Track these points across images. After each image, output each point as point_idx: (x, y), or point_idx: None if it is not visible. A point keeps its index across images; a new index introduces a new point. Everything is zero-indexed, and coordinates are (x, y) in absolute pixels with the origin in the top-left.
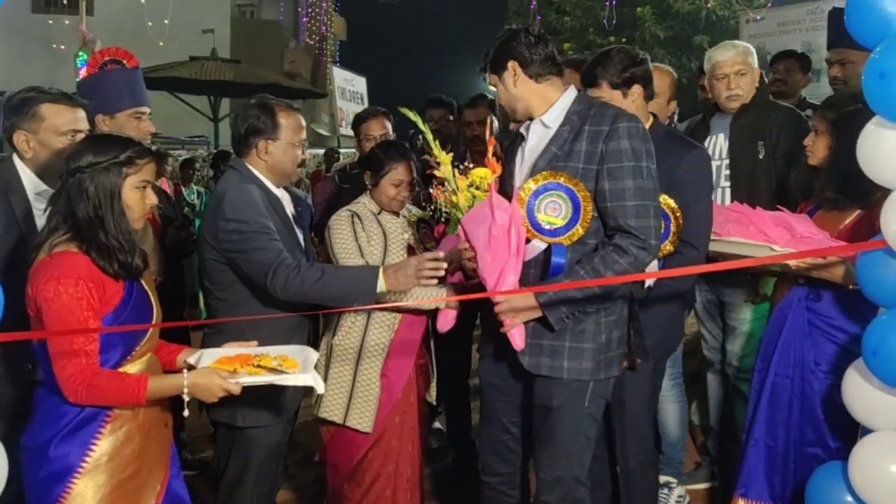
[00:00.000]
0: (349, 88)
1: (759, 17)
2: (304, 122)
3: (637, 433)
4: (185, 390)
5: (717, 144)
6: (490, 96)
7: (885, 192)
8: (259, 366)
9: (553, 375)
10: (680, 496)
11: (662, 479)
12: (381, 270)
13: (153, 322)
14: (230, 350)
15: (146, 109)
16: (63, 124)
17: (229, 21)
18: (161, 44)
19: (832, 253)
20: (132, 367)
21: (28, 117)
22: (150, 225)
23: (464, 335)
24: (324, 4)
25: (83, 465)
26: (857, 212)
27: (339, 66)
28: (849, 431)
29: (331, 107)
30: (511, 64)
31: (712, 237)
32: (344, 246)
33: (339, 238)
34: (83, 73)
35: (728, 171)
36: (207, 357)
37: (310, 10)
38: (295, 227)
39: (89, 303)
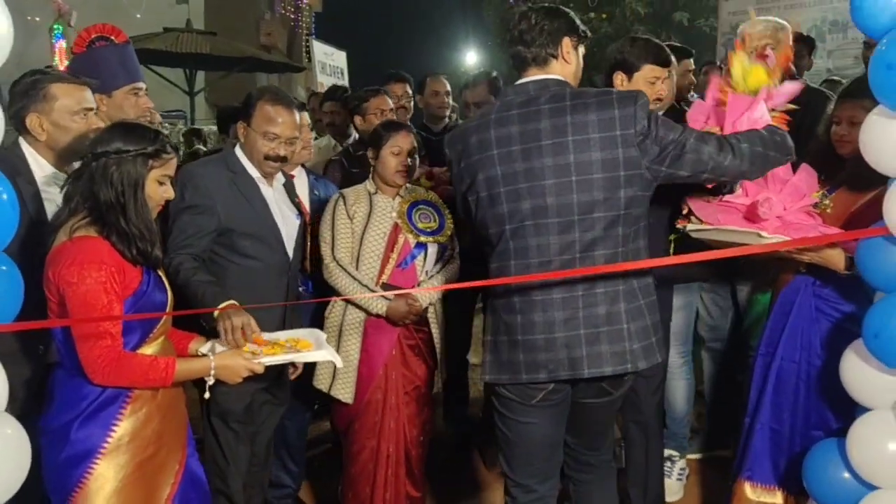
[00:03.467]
0: (329, 63)
1: None
2: (287, 119)
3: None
4: (212, 372)
5: None
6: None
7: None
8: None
9: None
10: (682, 469)
11: (665, 452)
12: (227, 303)
13: (168, 306)
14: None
15: (142, 85)
16: (75, 103)
17: None
18: (138, 16)
19: (833, 240)
20: (148, 349)
21: (39, 99)
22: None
23: (466, 312)
24: None
25: (105, 445)
26: (873, 194)
27: (317, 40)
28: (851, 413)
29: (307, 80)
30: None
31: (703, 227)
32: (321, 234)
33: (321, 225)
34: (59, 45)
35: None
36: (221, 346)
37: None
38: (275, 213)
39: (112, 286)
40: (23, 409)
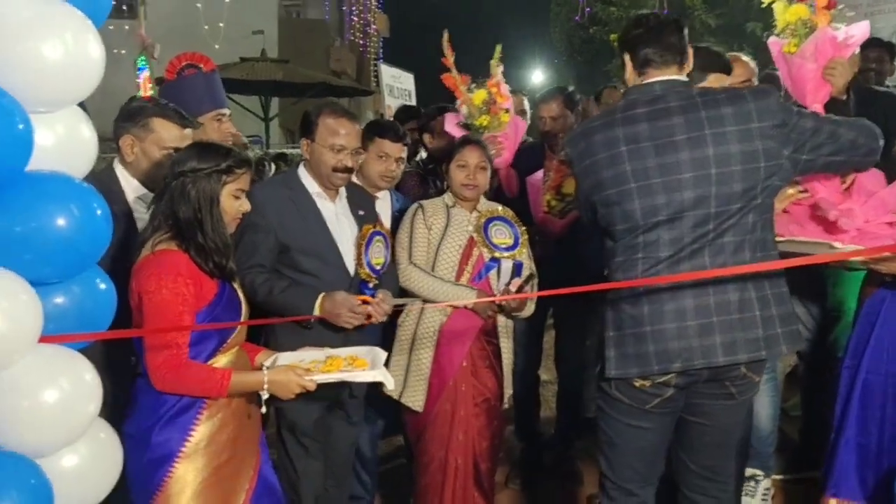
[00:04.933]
0: (397, 85)
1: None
2: (350, 130)
3: None
4: (265, 387)
5: None
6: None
7: None
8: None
9: None
10: (766, 489)
11: (749, 471)
12: (320, 298)
13: (242, 317)
14: (304, 354)
15: (226, 111)
16: (168, 139)
17: (276, 21)
18: (217, 46)
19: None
20: (224, 358)
21: (139, 125)
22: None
23: (536, 328)
24: (367, 2)
25: (183, 449)
26: None
27: (385, 63)
28: None
29: (376, 103)
30: (625, 56)
31: (778, 238)
32: (398, 239)
33: (399, 232)
34: (144, 76)
35: None
36: (282, 360)
37: (353, 7)
38: (333, 228)
39: (185, 298)
40: (112, 417)
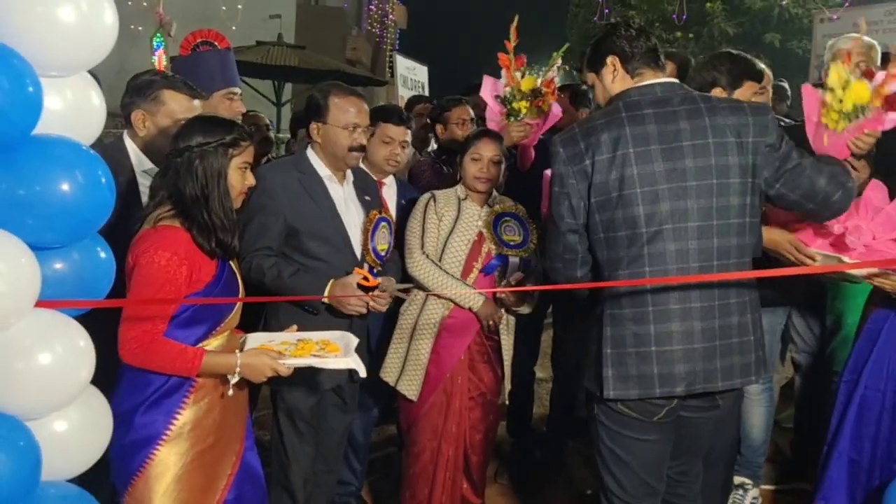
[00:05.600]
0: (411, 77)
1: (834, 17)
2: (360, 107)
3: None
4: (237, 370)
5: None
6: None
7: None
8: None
9: None
10: (754, 498)
11: (738, 479)
12: (330, 284)
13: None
14: (275, 335)
15: (237, 90)
16: (179, 111)
17: (295, 7)
18: (233, 28)
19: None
20: (216, 341)
21: (149, 99)
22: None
23: (534, 324)
24: None
25: (167, 433)
26: None
27: (400, 54)
28: None
29: (389, 94)
30: (611, 59)
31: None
32: (410, 227)
33: (410, 220)
34: (159, 54)
35: None
36: (252, 341)
37: None
38: (342, 211)
39: (174, 278)
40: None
